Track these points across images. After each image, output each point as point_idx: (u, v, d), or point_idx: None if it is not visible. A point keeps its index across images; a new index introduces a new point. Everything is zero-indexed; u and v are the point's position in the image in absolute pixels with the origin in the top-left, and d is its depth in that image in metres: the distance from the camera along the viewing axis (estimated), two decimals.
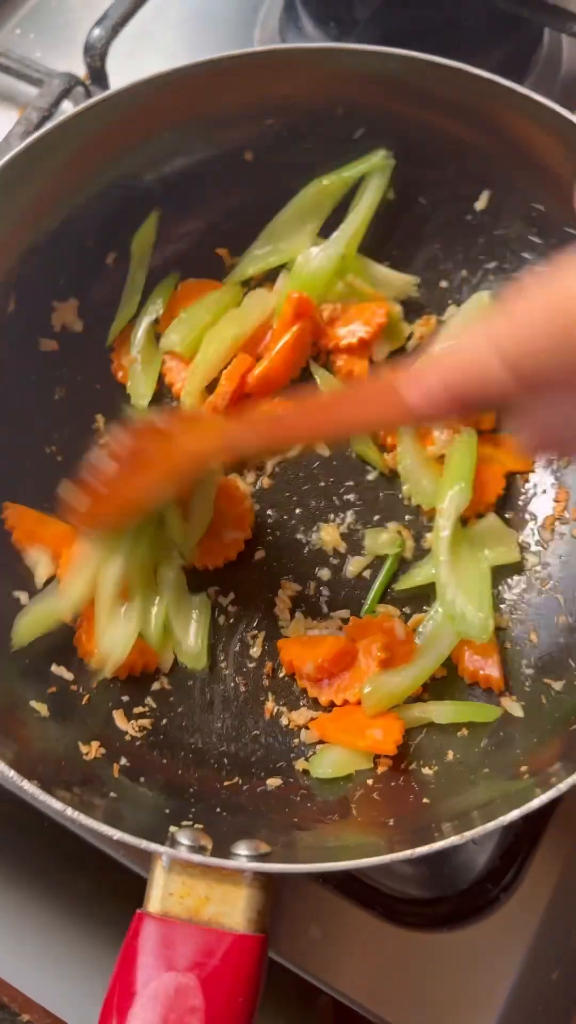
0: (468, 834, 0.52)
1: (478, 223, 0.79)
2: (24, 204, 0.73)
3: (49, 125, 0.72)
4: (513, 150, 0.74)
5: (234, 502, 0.76)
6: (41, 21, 1.10)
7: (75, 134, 0.72)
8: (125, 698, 0.71)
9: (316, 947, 0.68)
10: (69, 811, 0.54)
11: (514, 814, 0.53)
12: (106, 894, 0.71)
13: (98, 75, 0.95)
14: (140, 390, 0.81)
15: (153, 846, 0.53)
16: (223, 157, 0.79)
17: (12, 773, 0.56)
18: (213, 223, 0.82)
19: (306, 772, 0.68)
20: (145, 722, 0.70)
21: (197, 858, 0.53)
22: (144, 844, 0.53)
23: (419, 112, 0.76)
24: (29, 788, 0.55)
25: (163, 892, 0.55)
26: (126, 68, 1.00)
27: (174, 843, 0.56)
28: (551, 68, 1.02)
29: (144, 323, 0.81)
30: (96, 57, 0.94)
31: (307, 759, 0.68)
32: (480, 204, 0.78)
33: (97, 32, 0.94)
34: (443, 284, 0.82)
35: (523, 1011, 0.68)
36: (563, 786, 0.53)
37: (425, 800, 0.62)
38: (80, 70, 0.96)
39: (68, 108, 0.97)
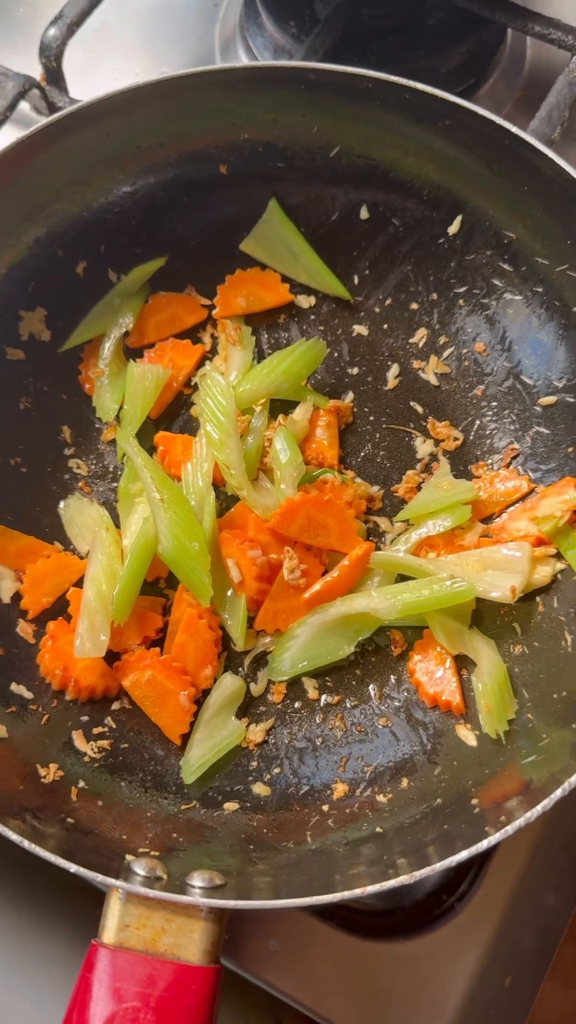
0: (418, 874, 0.54)
1: (450, 247, 0.79)
2: None
3: (12, 140, 0.70)
4: (478, 173, 0.74)
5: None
6: None
7: (42, 148, 0.71)
8: (85, 718, 0.71)
9: (275, 958, 0.70)
10: (24, 843, 0.55)
11: (462, 855, 0.54)
12: (62, 915, 0.72)
13: (54, 75, 0.93)
14: (106, 403, 0.80)
15: (109, 880, 0.54)
16: (197, 171, 0.79)
17: None
18: (186, 238, 0.82)
19: (260, 796, 0.69)
20: (104, 743, 0.70)
21: (153, 893, 0.54)
22: (100, 879, 0.54)
23: (388, 130, 0.76)
24: None
25: (119, 923, 0.56)
26: (84, 66, 0.99)
27: (130, 873, 0.57)
28: (514, 67, 1.02)
29: (113, 336, 0.80)
30: (52, 58, 0.91)
31: (264, 781, 0.69)
32: (452, 228, 0.78)
33: (52, 32, 0.91)
34: (413, 306, 0.82)
35: (477, 1016, 0.70)
36: (510, 829, 0.54)
37: (379, 829, 0.63)
38: (36, 67, 0.94)
39: (25, 110, 0.95)
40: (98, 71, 1.06)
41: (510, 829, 0.54)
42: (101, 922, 0.56)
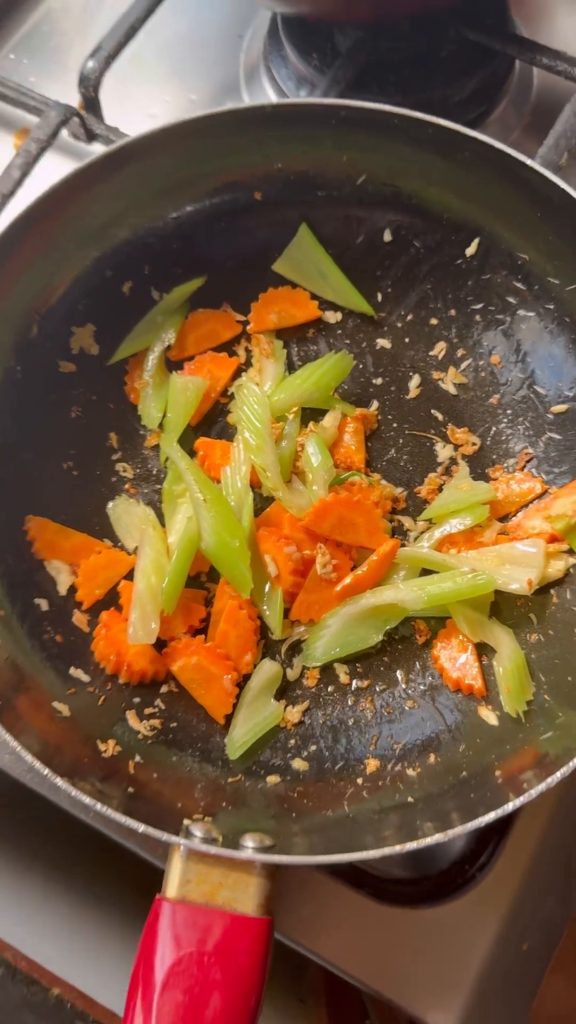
0: (451, 832, 0.60)
1: (467, 267, 0.86)
2: (51, 247, 0.79)
3: (59, 179, 0.76)
4: (494, 200, 0.81)
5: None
6: (34, 47, 1.15)
7: (98, 180, 0.78)
8: (137, 700, 0.77)
9: (310, 922, 0.76)
10: (97, 805, 0.61)
11: (490, 816, 0.60)
12: (125, 883, 0.78)
13: (92, 104, 1.00)
14: (150, 411, 0.87)
15: (175, 838, 0.61)
16: (234, 199, 0.85)
17: (38, 765, 0.62)
18: (222, 259, 0.88)
19: (299, 770, 0.75)
20: (155, 722, 0.76)
21: (213, 849, 0.60)
22: (166, 836, 0.61)
23: (412, 161, 0.82)
24: (58, 783, 0.62)
25: (181, 879, 0.62)
26: (117, 95, 1.06)
27: (188, 835, 0.63)
28: (522, 94, 1.09)
29: (156, 350, 0.87)
30: (90, 87, 0.99)
31: (302, 757, 0.76)
32: (470, 250, 0.85)
33: (91, 64, 0.99)
34: (433, 321, 0.89)
35: (497, 978, 0.76)
36: (533, 792, 0.61)
37: (409, 799, 0.70)
38: (72, 93, 1.01)
39: (63, 135, 1.02)
40: (130, 98, 1.12)
41: (533, 793, 0.61)
42: (164, 878, 0.63)
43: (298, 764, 0.75)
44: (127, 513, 0.84)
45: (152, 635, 0.76)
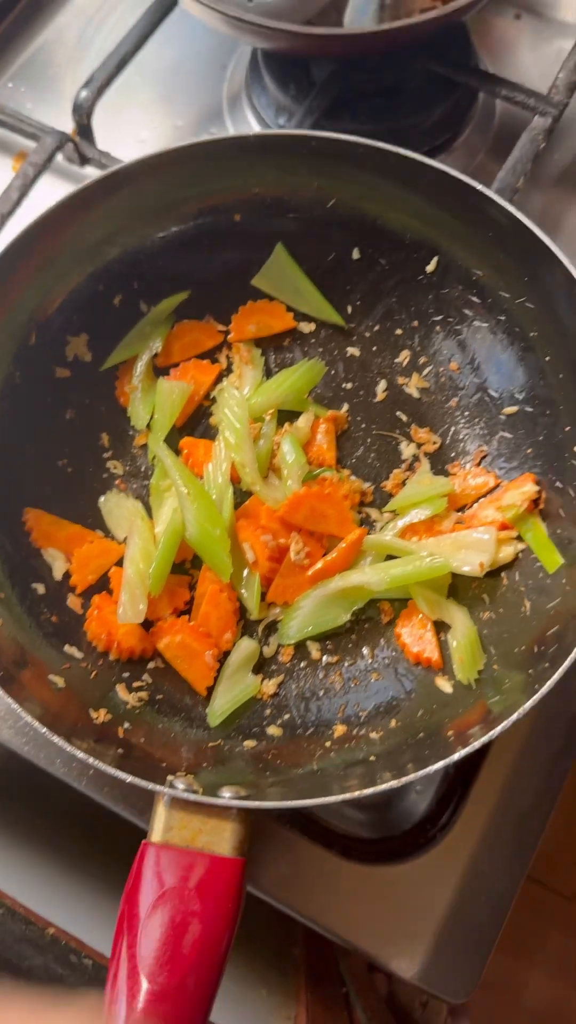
0: (404, 779, 0.68)
1: (428, 283, 0.93)
2: (49, 263, 0.87)
3: (57, 201, 0.84)
4: (450, 223, 0.88)
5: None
6: (31, 76, 1.24)
7: (93, 203, 0.86)
8: (126, 674, 0.85)
9: (286, 881, 0.84)
10: (90, 759, 0.69)
11: (439, 764, 0.68)
12: (114, 846, 0.85)
13: (85, 131, 1.09)
14: (139, 413, 0.94)
15: (159, 787, 0.68)
16: (215, 220, 0.93)
17: (40, 727, 0.70)
18: (205, 275, 0.96)
19: (274, 735, 0.82)
20: (143, 694, 0.84)
21: (193, 797, 0.68)
22: (151, 785, 0.68)
23: (376, 188, 0.90)
24: (56, 740, 0.70)
25: (164, 825, 0.69)
26: (108, 121, 1.15)
27: (172, 787, 0.71)
28: (486, 121, 1.18)
29: (145, 358, 0.95)
30: (84, 115, 1.08)
31: (277, 724, 0.83)
32: (430, 267, 0.92)
33: (84, 94, 1.07)
34: (398, 332, 0.96)
35: (456, 929, 0.83)
36: (477, 744, 0.68)
37: (371, 757, 0.77)
38: (66, 119, 1.10)
39: (59, 160, 1.10)
40: (121, 124, 1.20)
41: (476, 744, 0.68)
42: (150, 825, 0.70)
43: (273, 730, 0.83)
44: (117, 507, 0.92)
45: (140, 615, 0.83)
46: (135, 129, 1.21)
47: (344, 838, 0.87)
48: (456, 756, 0.68)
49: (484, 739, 0.69)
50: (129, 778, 0.68)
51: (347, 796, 0.67)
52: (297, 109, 1.10)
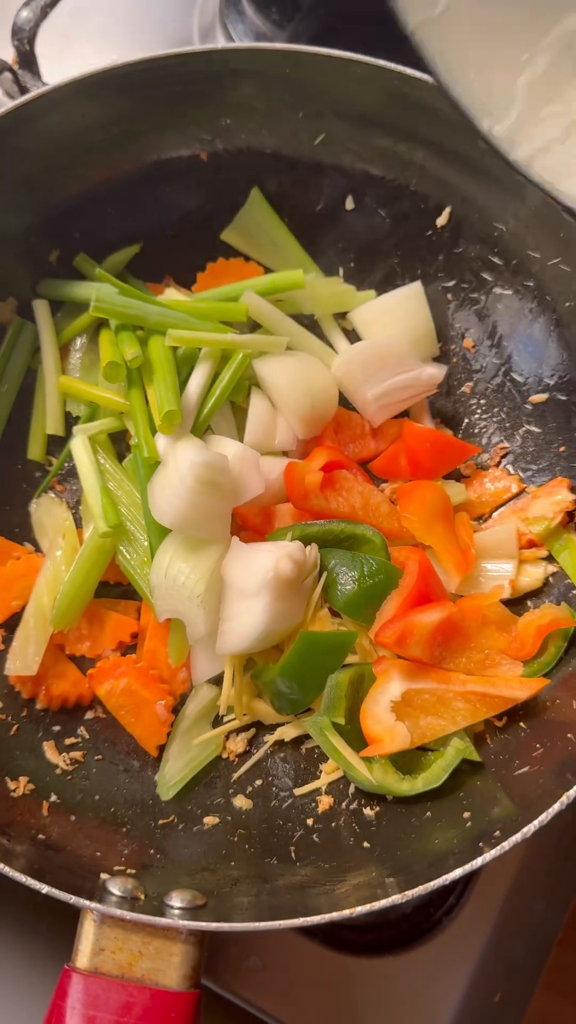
0: (409, 893, 0.51)
1: (438, 240, 0.77)
2: None
3: None
4: (468, 159, 0.71)
5: None
6: None
7: (15, 130, 0.68)
8: (56, 728, 0.68)
9: (257, 976, 0.68)
10: None
11: (456, 873, 0.52)
12: (37, 934, 0.69)
13: (27, 59, 0.90)
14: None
15: (83, 902, 0.51)
16: (176, 158, 0.76)
17: None
18: (164, 225, 0.79)
19: (242, 809, 0.66)
20: (77, 754, 0.67)
21: (130, 915, 0.51)
22: (73, 900, 0.51)
23: (377, 117, 0.73)
24: None
25: (93, 947, 0.53)
26: (56, 53, 0.95)
27: (105, 893, 0.54)
28: None
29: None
30: (24, 40, 0.88)
31: (246, 794, 0.67)
32: (441, 220, 0.76)
33: (25, 13, 0.88)
34: None
35: None
36: (507, 844, 0.52)
37: (366, 844, 0.61)
38: (5, 46, 0.91)
39: None
40: (74, 56, 1.03)
41: (507, 845, 0.52)
42: (75, 945, 0.54)
43: (240, 802, 0.66)
44: (48, 514, 0.75)
45: (33, 666, 0.67)
46: (90, 62, 1.02)
47: (328, 924, 0.70)
48: (480, 861, 0.52)
49: (520, 835, 0.52)
50: (45, 888, 0.51)
51: (342, 915, 0.51)
52: (280, 36, 0.94)
